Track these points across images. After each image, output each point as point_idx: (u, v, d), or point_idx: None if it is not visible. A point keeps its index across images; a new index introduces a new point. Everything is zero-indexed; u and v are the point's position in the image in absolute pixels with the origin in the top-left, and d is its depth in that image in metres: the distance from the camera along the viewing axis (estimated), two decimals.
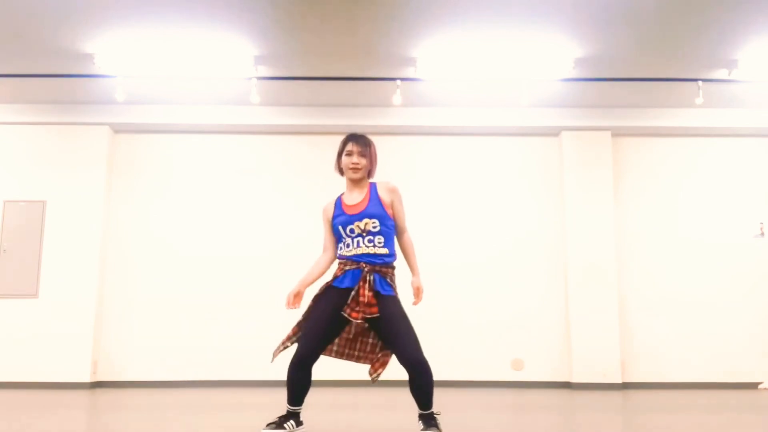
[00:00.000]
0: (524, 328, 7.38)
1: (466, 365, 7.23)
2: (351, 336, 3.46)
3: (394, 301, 3.32)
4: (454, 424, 3.98)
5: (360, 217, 3.37)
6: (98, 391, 6.79)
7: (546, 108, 7.47)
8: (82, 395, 6.24)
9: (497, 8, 5.40)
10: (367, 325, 3.37)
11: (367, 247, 3.33)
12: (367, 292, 3.23)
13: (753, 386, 7.20)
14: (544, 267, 7.52)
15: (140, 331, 7.29)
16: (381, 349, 3.47)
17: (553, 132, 7.68)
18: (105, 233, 7.42)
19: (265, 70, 6.50)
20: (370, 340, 3.47)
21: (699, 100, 6.66)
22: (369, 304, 3.23)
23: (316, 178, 7.22)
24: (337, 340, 3.44)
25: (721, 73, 6.56)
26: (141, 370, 7.20)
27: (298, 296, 3.41)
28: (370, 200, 3.42)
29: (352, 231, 3.37)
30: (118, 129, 7.61)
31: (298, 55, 6.24)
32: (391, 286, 3.35)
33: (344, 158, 3.47)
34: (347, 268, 3.34)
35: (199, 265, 7.42)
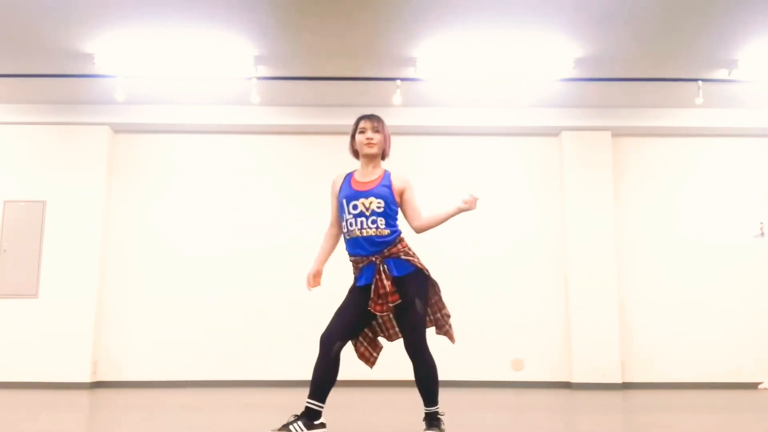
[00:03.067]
0: (524, 328, 7.39)
1: (466, 365, 7.23)
2: (381, 321, 3.44)
3: (413, 278, 3.27)
4: (454, 424, 3.98)
5: (366, 194, 3.31)
6: (98, 391, 6.79)
7: (546, 108, 7.47)
8: (82, 395, 6.24)
9: (497, 8, 5.40)
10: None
11: (370, 228, 3.27)
12: (385, 282, 3.20)
13: (753, 386, 7.20)
14: (544, 267, 7.52)
15: (140, 331, 7.29)
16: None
17: (553, 132, 7.68)
18: (105, 233, 7.42)
19: (265, 70, 6.50)
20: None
21: (699, 100, 6.66)
22: (389, 293, 3.20)
23: (316, 178, 7.22)
24: (368, 331, 3.43)
25: (721, 73, 6.56)
26: (141, 370, 7.20)
27: (317, 275, 3.43)
28: (381, 182, 3.37)
29: (354, 207, 3.30)
30: (118, 129, 7.61)
31: (298, 55, 6.24)
32: (408, 261, 3.28)
33: (358, 136, 3.42)
34: (360, 265, 3.31)
35: (199, 265, 7.42)
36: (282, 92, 7.05)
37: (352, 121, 3.50)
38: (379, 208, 3.29)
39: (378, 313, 3.22)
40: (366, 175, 3.41)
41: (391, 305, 3.21)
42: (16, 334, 7.06)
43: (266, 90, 6.80)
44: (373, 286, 3.23)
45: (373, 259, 3.26)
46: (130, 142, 7.66)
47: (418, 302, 3.25)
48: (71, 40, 5.91)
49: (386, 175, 3.43)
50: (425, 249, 7.48)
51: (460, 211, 3.43)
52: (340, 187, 3.42)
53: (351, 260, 3.37)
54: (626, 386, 7.19)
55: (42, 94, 7.13)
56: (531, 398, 6.01)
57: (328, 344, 3.24)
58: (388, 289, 3.20)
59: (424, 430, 3.23)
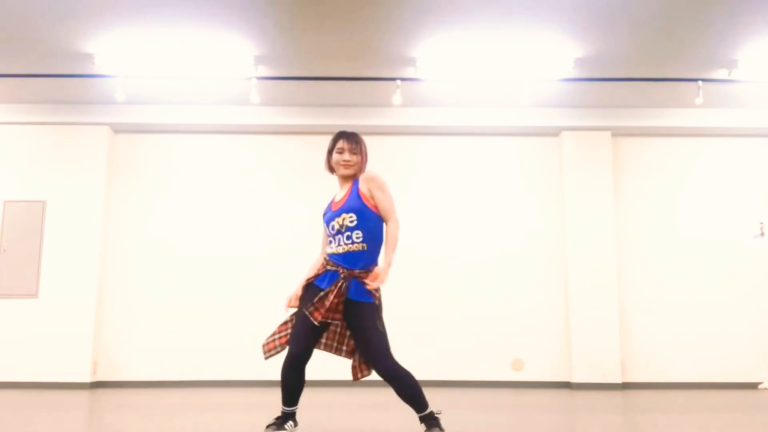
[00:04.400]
0: (524, 328, 7.38)
1: (466, 365, 7.23)
2: (339, 330, 3.43)
3: (367, 308, 3.25)
4: (454, 424, 3.98)
5: (338, 212, 3.34)
6: (98, 391, 6.79)
7: (546, 108, 7.46)
8: (82, 395, 6.25)
9: (497, 8, 5.40)
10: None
11: (345, 245, 3.28)
12: (333, 298, 3.18)
13: (753, 386, 7.20)
14: (545, 267, 7.52)
15: (140, 331, 7.29)
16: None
17: (553, 132, 7.68)
18: (105, 233, 7.42)
19: (265, 70, 6.50)
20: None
21: (699, 100, 6.66)
22: (333, 310, 3.20)
23: (316, 178, 7.17)
24: (325, 334, 3.42)
25: (721, 73, 6.56)
26: (141, 370, 7.20)
27: (297, 298, 3.41)
28: (350, 195, 3.37)
29: (333, 228, 3.35)
30: (118, 129, 7.61)
31: (298, 55, 6.24)
32: (370, 293, 3.25)
33: (335, 155, 3.45)
34: (328, 267, 3.32)
35: (199, 265, 7.42)
36: (282, 92, 7.05)
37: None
38: (351, 222, 3.30)
39: (312, 320, 3.20)
40: (341, 192, 3.45)
41: (328, 321, 3.21)
42: (16, 334, 7.06)
43: (266, 90, 6.80)
44: (321, 293, 3.23)
45: (341, 270, 3.26)
46: (130, 142, 7.66)
47: (370, 326, 3.24)
48: (71, 40, 5.91)
49: (354, 184, 3.41)
50: (425, 249, 7.53)
51: (376, 270, 3.33)
52: (324, 210, 3.52)
53: (326, 260, 3.38)
54: (626, 386, 7.19)
55: (42, 94, 7.13)
56: (531, 398, 6.01)
57: (299, 367, 3.28)
58: (333, 306, 3.19)
59: (425, 431, 3.23)
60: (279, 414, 3.36)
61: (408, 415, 4.28)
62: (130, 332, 7.30)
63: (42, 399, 5.78)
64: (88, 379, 7.01)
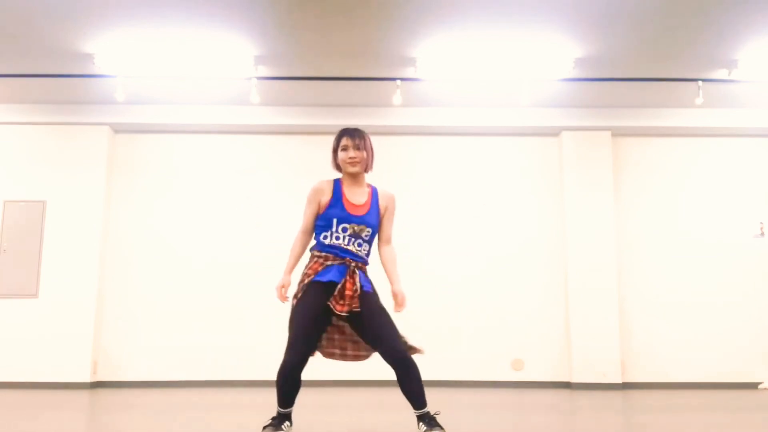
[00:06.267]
0: (524, 328, 7.38)
1: (466, 365, 7.23)
2: (335, 337, 3.41)
3: (375, 297, 3.32)
4: (455, 424, 3.98)
5: (360, 221, 3.33)
6: (98, 391, 6.79)
7: (546, 108, 7.46)
8: (82, 395, 6.25)
9: (497, 8, 5.40)
10: (346, 324, 3.36)
11: (356, 248, 3.32)
12: (354, 285, 3.20)
13: (753, 386, 7.20)
14: (545, 267, 7.52)
15: (140, 331, 7.29)
16: (364, 348, 3.42)
17: (553, 132, 7.68)
18: (105, 233, 7.42)
19: (265, 70, 6.51)
20: (354, 338, 3.41)
21: (699, 100, 6.66)
22: (354, 298, 3.19)
23: (316, 178, 7.17)
24: (324, 340, 3.39)
25: (721, 73, 6.56)
26: (141, 370, 7.20)
27: (286, 288, 3.39)
28: (371, 207, 3.39)
29: (344, 229, 3.31)
30: (118, 129, 7.61)
31: (298, 55, 6.24)
32: (371, 283, 3.35)
33: (340, 153, 3.43)
34: (329, 263, 3.28)
35: (199, 265, 7.42)
36: (282, 92, 7.05)
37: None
38: (366, 236, 3.36)
39: (338, 312, 3.18)
40: (356, 195, 3.40)
41: (353, 310, 3.19)
42: (16, 334, 7.06)
43: (266, 90, 6.80)
44: (339, 286, 3.20)
45: (348, 261, 3.26)
46: (130, 142, 7.66)
47: (383, 311, 3.26)
48: (71, 40, 5.91)
49: (374, 193, 3.44)
50: (425, 249, 7.53)
51: (397, 292, 3.39)
52: (329, 202, 3.37)
53: (320, 255, 3.31)
54: (626, 386, 7.19)
55: (42, 94, 7.13)
56: (531, 398, 6.01)
57: (295, 375, 3.23)
58: (353, 294, 3.18)
59: (427, 431, 3.18)
60: (275, 414, 3.34)
61: (408, 414, 4.28)
62: (130, 332, 7.30)
63: (42, 399, 5.78)
64: (88, 379, 7.01)
